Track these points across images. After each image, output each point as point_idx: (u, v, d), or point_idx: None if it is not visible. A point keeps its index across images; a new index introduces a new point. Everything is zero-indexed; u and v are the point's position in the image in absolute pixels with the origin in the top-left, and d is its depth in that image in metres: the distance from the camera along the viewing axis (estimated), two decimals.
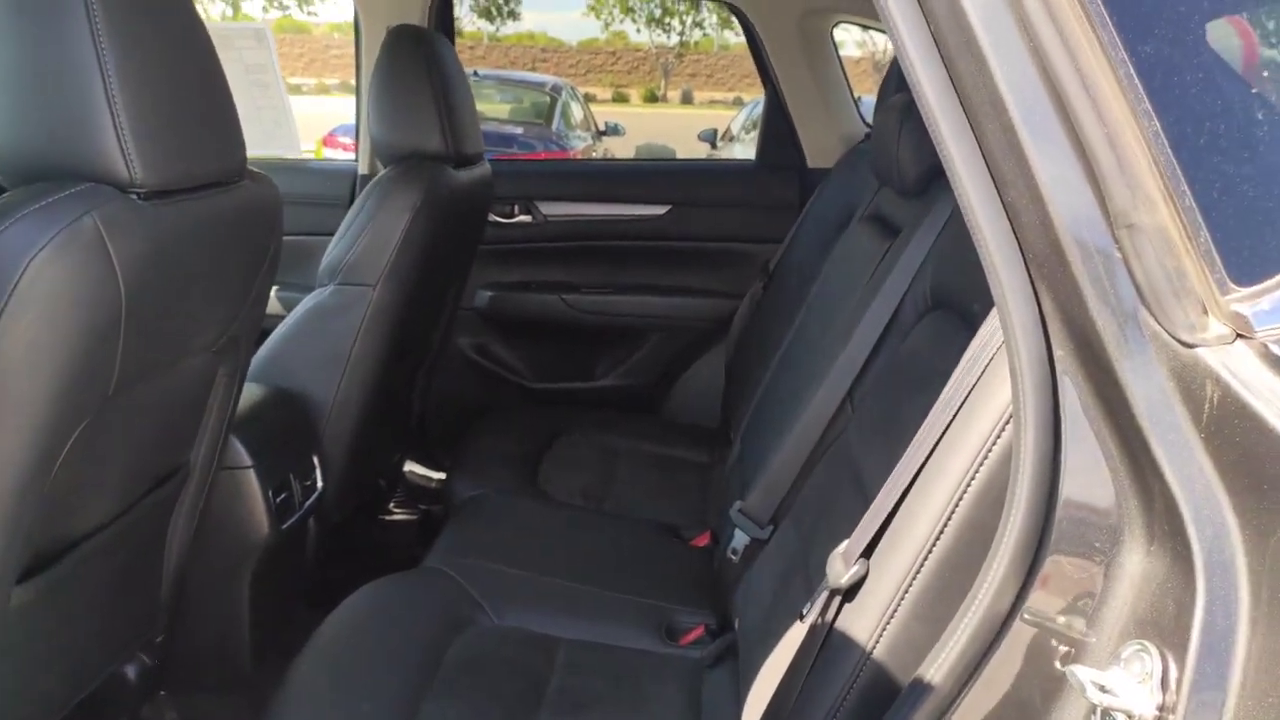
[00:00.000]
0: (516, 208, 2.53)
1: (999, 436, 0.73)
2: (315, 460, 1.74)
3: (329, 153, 6.36)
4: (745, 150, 8.02)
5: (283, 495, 1.60)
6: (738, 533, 1.37)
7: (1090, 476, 0.62)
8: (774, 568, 1.24)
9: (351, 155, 2.64)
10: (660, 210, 2.53)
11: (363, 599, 1.40)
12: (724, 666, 1.31)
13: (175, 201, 1.04)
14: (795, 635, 0.91)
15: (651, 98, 25.01)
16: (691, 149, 8.66)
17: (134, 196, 0.98)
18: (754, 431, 1.72)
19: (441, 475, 2.49)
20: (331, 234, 1.86)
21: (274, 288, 1.46)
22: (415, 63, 1.85)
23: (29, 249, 0.87)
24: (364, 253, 1.76)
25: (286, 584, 1.75)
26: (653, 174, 2.81)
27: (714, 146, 8.54)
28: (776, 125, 2.54)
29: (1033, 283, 0.63)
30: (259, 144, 1.52)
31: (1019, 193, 0.62)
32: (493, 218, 2.45)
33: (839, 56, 2.55)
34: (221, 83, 1.12)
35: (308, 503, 1.69)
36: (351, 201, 2.43)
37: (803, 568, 1.15)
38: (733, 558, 1.36)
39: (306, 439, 1.74)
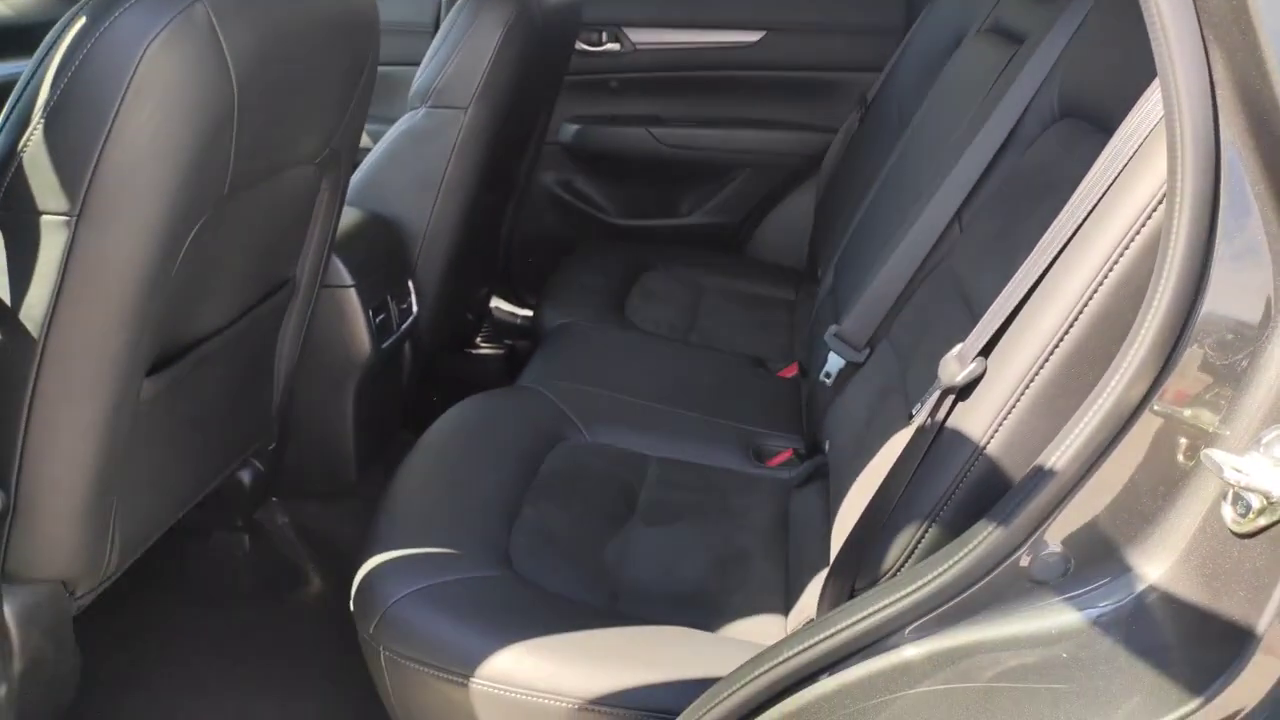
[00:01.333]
0: (604, 35, 2.44)
1: (1143, 226, 0.69)
2: (410, 285, 1.78)
3: None
4: None
5: (381, 316, 1.64)
6: (831, 357, 1.36)
7: (1248, 260, 0.59)
8: (870, 388, 1.23)
9: None
10: (753, 37, 2.41)
11: (462, 411, 1.45)
12: (813, 486, 1.33)
13: None
14: (899, 440, 0.91)
15: None
16: None
17: None
18: (849, 260, 1.68)
19: (526, 311, 2.52)
20: (416, 64, 1.83)
21: None
22: None
23: (143, 37, 0.86)
24: (455, 74, 1.73)
25: (387, 402, 1.82)
26: None
27: None
28: None
29: (1205, 48, 0.58)
30: None
31: None
32: (580, 45, 2.38)
33: None
34: None
35: (404, 325, 1.73)
36: (436, 27, 2.38)
37: (900, 386, 1.14)
38: (825, 381, 1.36)
39: (402, 264, 1.77)
